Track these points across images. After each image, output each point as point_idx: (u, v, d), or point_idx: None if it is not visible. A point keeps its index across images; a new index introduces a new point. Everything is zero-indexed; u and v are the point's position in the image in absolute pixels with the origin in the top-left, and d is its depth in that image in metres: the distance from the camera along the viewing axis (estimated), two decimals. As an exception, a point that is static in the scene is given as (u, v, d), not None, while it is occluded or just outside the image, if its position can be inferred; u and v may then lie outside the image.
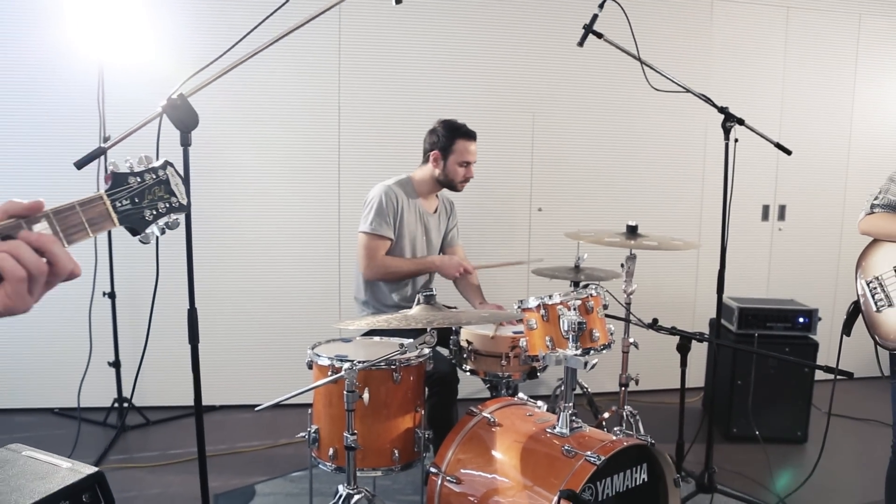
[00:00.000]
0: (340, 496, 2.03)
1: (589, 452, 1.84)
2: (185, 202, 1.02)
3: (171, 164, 1.00)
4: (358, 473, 2.07)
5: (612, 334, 2.25)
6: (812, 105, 4.28)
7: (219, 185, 3.59)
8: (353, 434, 1.96)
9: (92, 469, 1.47)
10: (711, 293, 2.82)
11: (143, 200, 0.96)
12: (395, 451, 2.15)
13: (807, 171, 4.27)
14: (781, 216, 4.34)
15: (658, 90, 2.58)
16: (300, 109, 3.67)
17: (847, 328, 2.32)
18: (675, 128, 4.07)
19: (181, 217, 1.01)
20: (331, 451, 2.15)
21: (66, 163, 3.56)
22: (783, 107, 4.24)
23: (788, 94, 4.25)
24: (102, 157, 2.49)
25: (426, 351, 2.17)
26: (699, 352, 4.10)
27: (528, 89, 3.90)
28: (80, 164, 1.62)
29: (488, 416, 2.16)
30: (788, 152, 2.69)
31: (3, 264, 0.74)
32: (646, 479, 2.01)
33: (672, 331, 2.42)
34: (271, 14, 1.82)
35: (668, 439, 2.74)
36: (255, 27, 1.75)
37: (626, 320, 2.63)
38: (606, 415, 2.61)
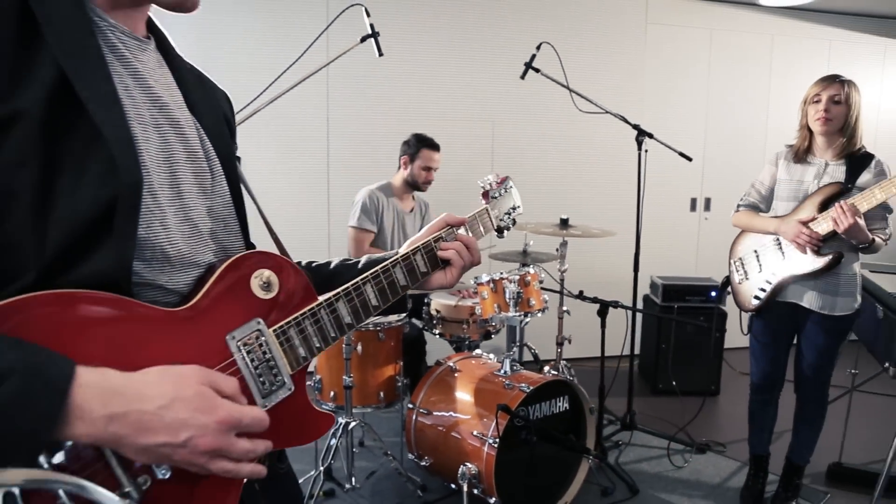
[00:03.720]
0: (340, 424, 2.69)
1: (522, 384, 2.52)
2: (519, 204, 1.27)
3: (510, 178, 1.29)
4: (353, 410, 2.74)
5: (546, 302, 2.93)
6: (732, 113, 5.00)
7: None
8: (350, 377, 2.62)
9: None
10: (644, 274, 3.51)
11: (502, 207, 1.26)
12: (381, 393, 2.82)
13: (729, 169, 5.00)
14: (707, 207, 5.07)
15: (583, 111, 3.26)
16: (292, 119, 4.29)
17: (721, 297, 3.04)
18: (613, 136, 4.74)
19: (518, 216, 1.28)
20: (332, 394, 2.81)
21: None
22: (708, 115, 4.96)
23: (712, 103, 4.97)
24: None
25: (403, 317, 2.84)
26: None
27: (488, 103, 4.57)
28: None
29: (451, 364, 2.83)
30: (689, 159, 3.39)
31: (453, 257, 1.09)
32: (567, 408, 2.70)
33: (594, 300, 3.11)
34: (302, 54, 2.45)
35: (597, 391, 3.43)
36: (287, 68, 2.38)
37: (560, 292, 3.31)
38: (546, 368, 3.30)
